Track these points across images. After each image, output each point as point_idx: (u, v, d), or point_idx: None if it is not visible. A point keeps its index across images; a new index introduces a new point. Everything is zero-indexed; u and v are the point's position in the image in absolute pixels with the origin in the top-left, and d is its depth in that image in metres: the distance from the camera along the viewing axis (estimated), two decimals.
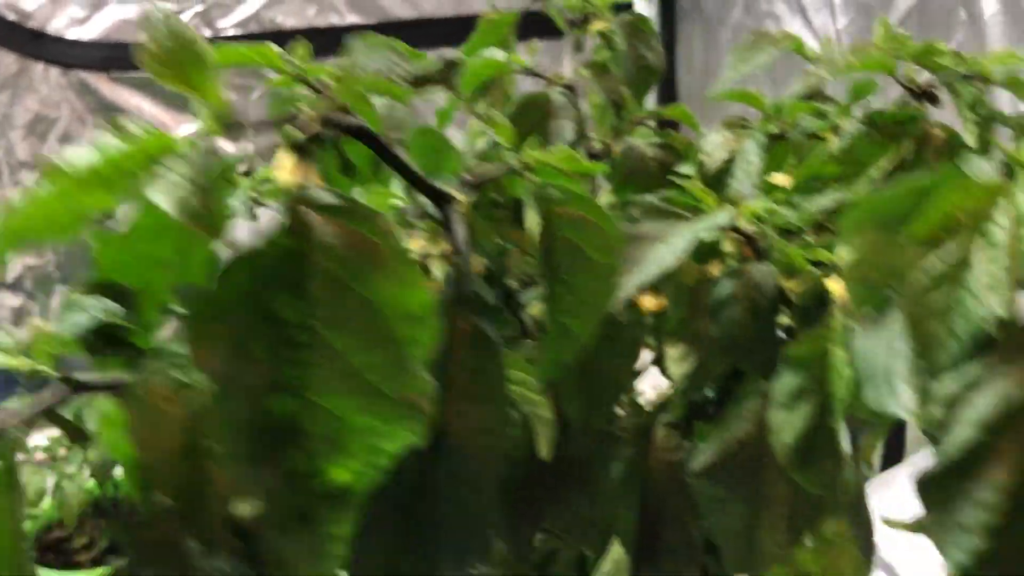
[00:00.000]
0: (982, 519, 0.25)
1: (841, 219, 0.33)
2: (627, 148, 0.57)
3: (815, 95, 0.52)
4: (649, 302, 0.57)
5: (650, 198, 0.42)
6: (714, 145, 0.52)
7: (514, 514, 0.43)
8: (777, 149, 0.53)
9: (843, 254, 0.33)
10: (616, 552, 0.51)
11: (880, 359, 0.32)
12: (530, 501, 0.44)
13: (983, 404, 0.26)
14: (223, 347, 0.25)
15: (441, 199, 0.35)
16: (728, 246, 0.47)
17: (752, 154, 0.50)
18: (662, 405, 0.53)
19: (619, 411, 0.55)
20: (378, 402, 0.27)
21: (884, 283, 0.33)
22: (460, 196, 0.35)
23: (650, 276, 0.39)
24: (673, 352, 0.48)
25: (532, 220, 0.34)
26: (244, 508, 0.29)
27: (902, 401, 0.30)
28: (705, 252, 0.47)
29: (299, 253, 0.26)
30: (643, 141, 0.57)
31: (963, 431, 0.26)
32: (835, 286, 0.37)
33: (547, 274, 0.34)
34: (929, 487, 0.26)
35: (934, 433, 0.27)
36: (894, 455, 1.39)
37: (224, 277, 0.24)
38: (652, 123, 0.62)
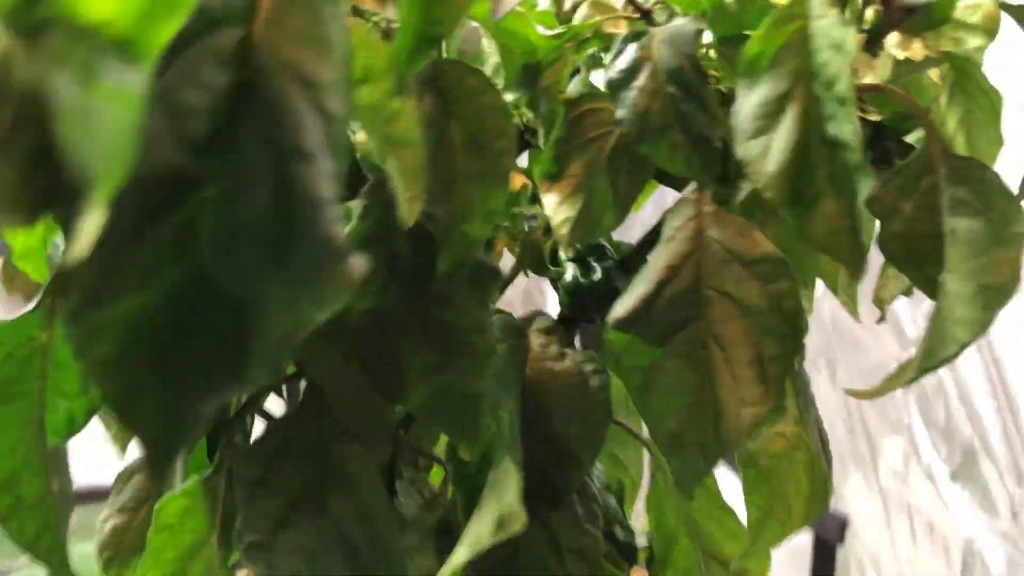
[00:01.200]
0: None
1: None
2: None
3: None
4: (522, 179, 0.45)
5: None
6: None
7: (363, 376, 0.29)
8: None
9: None
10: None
11: None
12: (385, 358, 0.29)
13: None
14: None
15: None
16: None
17: None
18: (530, 316, 0.40)
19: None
20: None
21: None
22: None
23: None
24: (553, 197, 0.37)
25: None
26: None
27: None
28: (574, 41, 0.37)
29: None
30: None
31: None
32: None
33: None
34: None
35: None
36: None
37: None
38: None
